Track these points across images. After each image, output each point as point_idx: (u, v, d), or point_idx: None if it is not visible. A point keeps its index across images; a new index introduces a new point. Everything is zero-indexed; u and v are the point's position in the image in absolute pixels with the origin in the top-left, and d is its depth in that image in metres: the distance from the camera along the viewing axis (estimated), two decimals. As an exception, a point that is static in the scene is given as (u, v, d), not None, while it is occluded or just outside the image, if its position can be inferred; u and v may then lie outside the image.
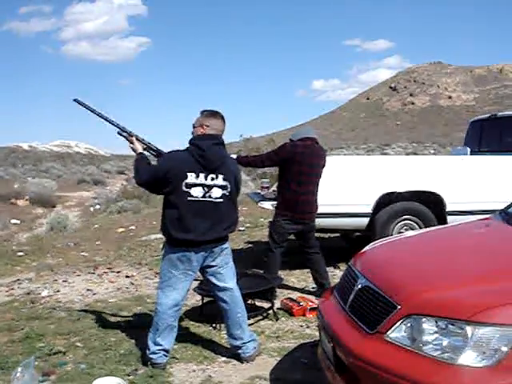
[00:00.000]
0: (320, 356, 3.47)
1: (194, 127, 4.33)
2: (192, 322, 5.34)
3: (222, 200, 4.20)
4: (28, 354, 4.53)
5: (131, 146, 4.46)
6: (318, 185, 5.95)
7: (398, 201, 7.16)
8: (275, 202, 6.42)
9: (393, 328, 2.69)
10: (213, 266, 4.35)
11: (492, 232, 3.80)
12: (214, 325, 5.19)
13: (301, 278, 7.00)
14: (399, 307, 2.71)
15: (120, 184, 26.90)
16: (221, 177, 4.19)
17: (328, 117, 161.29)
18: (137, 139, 4.46)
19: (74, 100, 4.61)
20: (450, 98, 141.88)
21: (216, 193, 4.18)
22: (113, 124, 4.56)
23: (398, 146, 54.15)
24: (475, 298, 2.54)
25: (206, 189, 4.15)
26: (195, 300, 5.92)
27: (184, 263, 4.23)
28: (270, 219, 6.47)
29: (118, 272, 7.78)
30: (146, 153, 4.44)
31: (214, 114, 4.33)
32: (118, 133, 4.54)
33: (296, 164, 5.80)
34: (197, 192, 4.13)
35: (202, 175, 4.14)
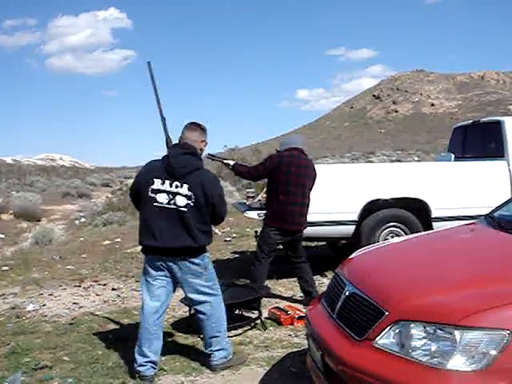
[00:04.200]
0: (309, 364, 3.45)
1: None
2: (180, 334, 5.31)
3: (186, 209, 4.16)
4: (14, 369, 4.49)
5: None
6: (308, 196, 5.93)
7: (384, 208, 7.19)
8: (261, 212, 6.41)
9: (381, 334, 2.68)
10: (183, 279, 4.32)
11: (478, 237, 3.82)
12: (201, 336, 5.15)
13: (288, 286, 6.99)
14: (387, 313, 2.71)
15: (105, 196, 26.75)
16: (186, 186, 4.16)
17: (312, 126, 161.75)
18: None
19: (148, 63, 4.76)
20: (432, 105, 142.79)
21: (180, 201, 4.16)
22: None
23: (382, 153, 54.30)
24: (463, 302, 2.55)
25: (170, 196, 4.17)
26: (182, 311, 5.90)
27: (154, 270, 4.28)
28: (257, 229, 6.47)
29: (105, 285, 7.73)
30: None
31: (189, 126, 4.43)
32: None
33: (282, 174, 5.80)
34: (162, 198, 4.17)
35: (167, 182, 4.18)
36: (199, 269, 4.32)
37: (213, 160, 5.22)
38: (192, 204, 4.17)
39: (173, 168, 4.19)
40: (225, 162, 5.87)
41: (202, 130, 4.48)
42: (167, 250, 4.21)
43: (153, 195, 4.19)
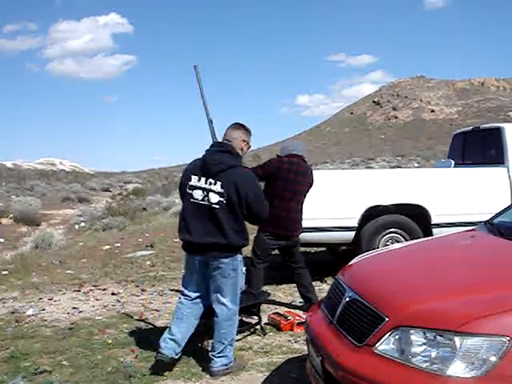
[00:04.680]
0: (309, 370, 3.45)
1: None
2: (179, 339, 5.30)
3: (218, 206, 4.23)
4: (13, 373, 4.48)
5: None
6: (302, 203, 5.93)
7: (384, 214, 7.19)
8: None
9: (381, 340, 2.68)
10: (211, 275, 4.39)
11: (478, 243, 3.82)
12: (201, 344, 5.15)
13: (288, 292, 6.99)
14: (387, 319, 2.71)
15: (105, 201, 26.75)
16: (219, 183, 4.23)
17: (312, 131, 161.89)
18: None
19: (194, 66, 4.86)
20: (432, 111, 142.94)
21: (213, 198, 4.24)
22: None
23: (382, 159, 54.36)
24: (463, 308, 2.55)
25: (204, 192, 4.27)
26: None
27: (191, 263, 4.46)
28: (253, 234, 6.46)
29: (104, 289, 7.72)
30: None
31: (233, 125, 4.55)
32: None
33: (280, 180, 5.80)
34: (197, 194, 4.29)
35: (202, 179, 4.29)
36: (227, 269, 4.35)
37: None
38: (224, 201, 4.23)
39: (207, 165, 4.29)
40: None
41: (246, 130, 4.56)
42: (199, 246, 4.31)
43: (190, 191, 4.33)
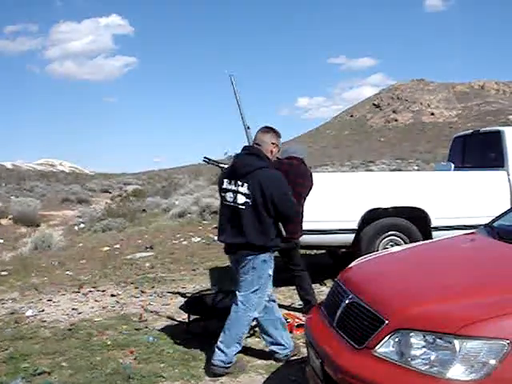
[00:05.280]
0: (308, 372, 3.45)
1: None
2: (179, 340, 5.30)
3: (244, 207, 4.38)
4: (12, 374, 4.48)
5: None
6: (302, 205, 5.92)
7: (384, 217, 7.19)
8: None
9: (381, 343, 2.68)
10: (239, 272, 4.56)
11: (478, 246, 3.82)
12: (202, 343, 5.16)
13: (287, 295, 6.98)
14: (387, 322, 2.71)
15: (104, 202, 26.73)
16: (246, 185, 4.38)
17: (312, 134, 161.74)
18: None
19: (230, 76, 5.00)
20: (432, 114, 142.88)
21: (240, 199, 4.40)
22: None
23: (382, 162, 54.30)
24: (462, 311, 2.55)
25: (233, 194, 4.45)
26: (182, 318, 5.89)
27: (232, 263, 4.67)
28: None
29: (104, 291, 7.73)
30: None
31: (262, 129, 4.68)
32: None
33: None
34: (228, 197, 4.49)
35: (232, 181, 4.47)
36: (248, 266, 4.48)
37: (208, 163, 5.31)
38: (250, 203, 4.37)
39: (235, 168, 4.49)
40: (220, 165, 5.85)
41: (275, 133, 4.67)
42: (230, 246, 4.55)
43: (223, 194, 4.53)
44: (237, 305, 4.53)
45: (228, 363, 4.48)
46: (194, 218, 15.93)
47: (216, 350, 4.48)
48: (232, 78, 4.96)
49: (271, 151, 4.59)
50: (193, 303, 5.60)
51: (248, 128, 4.85)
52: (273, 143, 4.60)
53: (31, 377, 4.48)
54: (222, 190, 4.52)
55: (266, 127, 4.67)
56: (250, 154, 4.50)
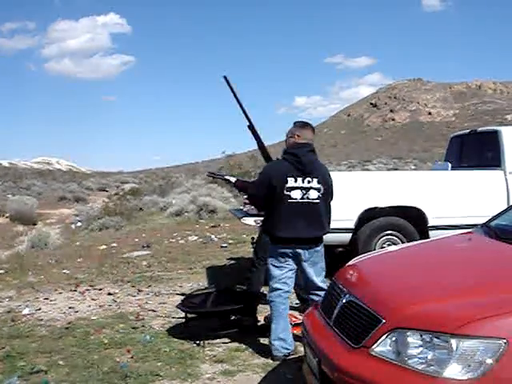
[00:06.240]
0: (305, 371, 3.46)
1: (287, 137, 4.83)
2: (175, 339, 5.31)
3: (318, 201, 4.65)
4: (9, 373, 4.48)
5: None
6: None
7: (381, 216, 7.19)
8: (258, 218, 6.39)
9: (378, 342, 2.69)
10: (306, 266, 4.76)
11: (474, 246, 3.82)
12: (197, 342, 5.16)
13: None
14: (384, 321, 2.71)
15: (101, 201, 26.71)
16: (315, 180, 4.64)
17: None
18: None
19: (224, 77, 5.13)
20: (429, 114, 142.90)
21: (313, 195, 4.63)
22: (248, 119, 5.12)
23: (379, 161, 54.35)
24: (459, 311, 2.55)
25: (303, 191, 4.61)
26: (179, 317, 5.89)
27: (283, 258, 4.73)
28: (253, 235, 6.46)
29: (100, 289, 7.72)
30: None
31: (304, 125, 4.87)
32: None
33: None
34: (296, 194, 4.60)
35: (299, 179, 4.61)
36: (319, 255, 4.85)
37: (214, 178, 5.36)
38: (321, 195, 4.68)
39: (304, 166, 4.63)
40: (226, 178, 5.92)
41: (313, 129, 4.94)
42: (302, 240, 4.67)
43: (288, 193, 4.59)
44: (320, 291, 4.67)
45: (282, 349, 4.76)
46: (191, 217, 15.94)
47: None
48: (227, 78, 5.00)
49: None
50: (190, 302, 5.60)
51: (253, 126, 5.00)
52: (312, 139, 4.86)
53: (28, 375, 4.48)
54: (287, 189, 4.59)
55: (308, 124, 4.91)
56: (312, 151, 4.75)
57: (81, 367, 4.64)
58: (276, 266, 4.78)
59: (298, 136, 4.74)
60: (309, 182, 4.62)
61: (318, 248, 4.81)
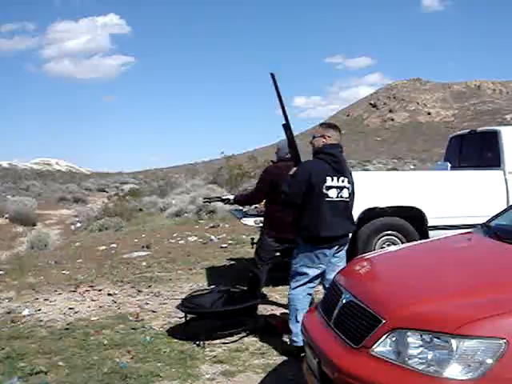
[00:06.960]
0: (305, 371, 3.46)
1: (314, 138, 4.95)
2: (176, 340, 5.31)
3: (349, 200, 4.85)
4: (9, 374, 4.48)
5: None
6: None
7: (380, 216, 7.20)
8: (257, 219, 6.41)
9: (378, 342, 2.68)
10: (335, 259, 4.85)
11: (474, 246, 3.82)
12: (197, 342, 5.16)
13: (284, 294, 6.95)
14: (384, 321, 2.71)
15: (101, 202, 26.72)
16: (346, 180, 4.81)
17: (309, 133, 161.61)
18: None
19: (271, 74, 5.05)
20: (429, 114, 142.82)
21: (345, 193, 4.80)
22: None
23: (378, 161, 54.37)
24: (459, 311, 2.55)
25: (338, 190, 4.74)
26: (178, 317, 5.89)
27: (319, 258, 4.75)
28: (253, 236, 6.46)
29: (100, 290, 7.72)
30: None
31: (333, 126, 5.02)
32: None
33: (279, 185, 5.80)
34: (332, 193, 4.72)
35: (335, 178, 4.74)
36: (344, 249, 4.96)
37: (210, 202, 5.36)
38: (350, 194, 4.87)
39: (341, 165, 4.80)
40: (223, 198, 5.94)
41: (339, 130, 5.04)
42: (336, 238, 4.78)
43: (325, 192, 4.69)
44: None
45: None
46: (191, 217, 15.95)
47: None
48: (274, 76, 5.02)
49: None
50: (189, 302, 5.60)
51: (290, 128, 5.04)
52: (340, 140, 5.00)
53: (28, 376, 4.48)
54: (326, 188, 4.68)
55: (335, 126, 5.04)
56: (342, 152, 4.89)
57: (81, 368, 4.64)
58: (309, 267, 4.78)
59: (328, 137, 4.85)
60: (342, 181, 4.77)
61: (347, 243, 4.99)
